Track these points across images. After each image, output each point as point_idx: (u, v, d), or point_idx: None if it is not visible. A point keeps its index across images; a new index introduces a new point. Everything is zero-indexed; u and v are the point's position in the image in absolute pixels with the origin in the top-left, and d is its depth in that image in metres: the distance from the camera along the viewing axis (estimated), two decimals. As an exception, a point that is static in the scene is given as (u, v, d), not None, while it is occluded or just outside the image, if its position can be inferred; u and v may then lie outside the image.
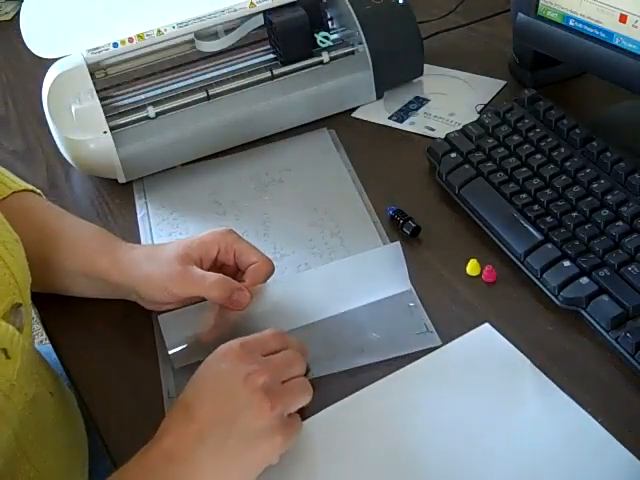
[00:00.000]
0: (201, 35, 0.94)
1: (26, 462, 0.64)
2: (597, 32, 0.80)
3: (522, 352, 0.65)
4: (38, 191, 0.79)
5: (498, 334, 0.66)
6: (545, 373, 0.64)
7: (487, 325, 0.67)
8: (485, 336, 0.66)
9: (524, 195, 0.76)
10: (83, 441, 0.78)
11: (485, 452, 0.58)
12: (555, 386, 0.61)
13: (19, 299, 0.61)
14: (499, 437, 0.59)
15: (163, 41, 0.92)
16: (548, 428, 0.59)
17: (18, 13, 0.96)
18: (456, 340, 0.66)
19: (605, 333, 0.65)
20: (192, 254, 0.68)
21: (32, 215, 0.75)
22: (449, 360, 0.65)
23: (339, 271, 0.71)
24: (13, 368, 0.59)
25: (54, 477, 0.69)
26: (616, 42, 0.79)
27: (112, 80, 0.94)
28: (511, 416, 0.60)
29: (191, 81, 0.94)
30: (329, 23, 0.98)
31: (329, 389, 0.64)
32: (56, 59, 0.91)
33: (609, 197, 0.73)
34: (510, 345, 0.65)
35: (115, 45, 0.91)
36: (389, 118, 0.95)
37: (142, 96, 0.93)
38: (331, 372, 0.66)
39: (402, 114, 0.95)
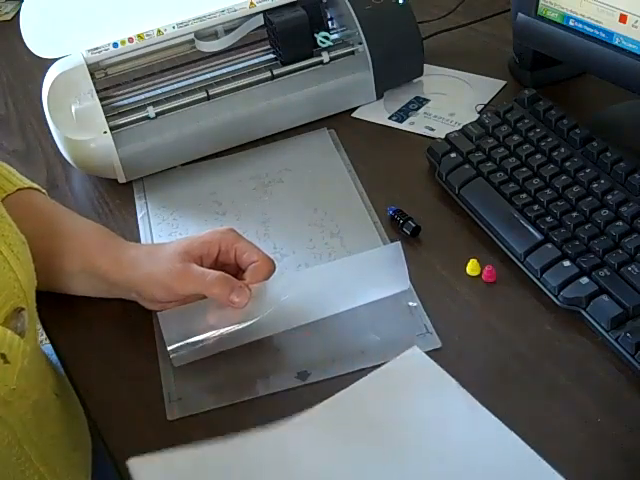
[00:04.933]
0: (201, 35, 0.94)
1: (30, 466, 0.63)
2: (597, 32, 0.80)
3: (522, 352, 0.65)
4: (42, 190, 0.79)
5: (426, 356, 0.65)
6: (545, 373, 0.64)
7: (415, 348, 0.66)
8: (414, 360, 0.65)
9: (524, 195, 0.76)
10: (87, 442, 0.78)
11: (419, 468, 0.58)
12: (479, 405, 0.61)
13: (22, 303, 0.61)
14: (432, 454, 0.58)
15: (163, 41, 0.92)
16: (475, 445, 0.59)
17: (18, 13, 0.96)
18: (386, 365, 0.65)
19: (605, 333, 0.65)
20: (193, 253, 0.68)
21: (35, 212, 0.75)
22: (381, 384, 0.64)
23: (339, 270, 0.71)
24: (12, 372, 0.59)
25: (57, 479, 0.69)
26: (616, 42, 0.79)
27: (112, 80, 0.94)
28: (441, 434, 0.60)
29: (191, 81, 0.94)
30: (329, 23, 0.98)
31: (328, 390, 0.64)
32: (56, 59, 0.91)
33: (609, 197, 0.73)
34: (437, 367, 0.64)
35: (115, 45, 0.91)
36: (389, 118, 0.95)
37: (142, 96, 0.93)
38: (331, 376, 0.65)
39: (402, 114, 0.95)
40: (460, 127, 0.86)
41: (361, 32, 0.94)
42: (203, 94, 0.92)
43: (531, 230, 0.73)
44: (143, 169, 0.90)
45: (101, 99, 0.88)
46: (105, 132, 0.87)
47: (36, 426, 0.65)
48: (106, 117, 0.87)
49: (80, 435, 0.77)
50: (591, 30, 0.81)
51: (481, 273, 0.73)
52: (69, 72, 0.89)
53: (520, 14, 0.88)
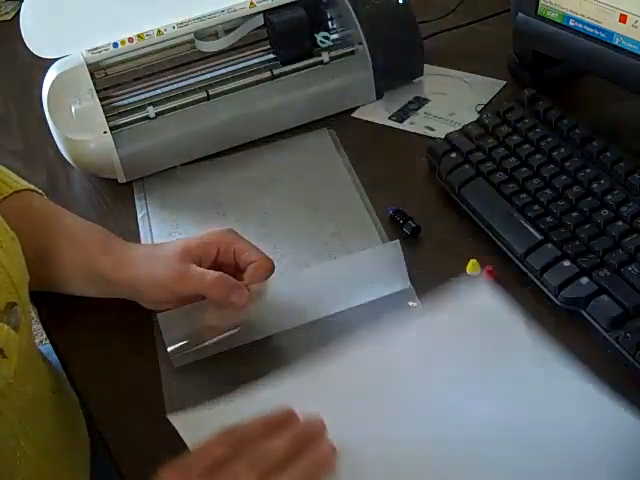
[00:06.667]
0: (201, 35, 0.94)
1: (27, 461, 0.64)
2: (597, 32, 0.80)
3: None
4: (40, 191, 0.79)
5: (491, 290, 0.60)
6: (545, 373, 0.64)
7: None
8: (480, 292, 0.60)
9: (524, 195, 0.76)
10: (85, 441, 0.78)
11: (474, 416, 0.55)
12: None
13: (15, 298, 0.61)
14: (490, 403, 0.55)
15: (163, 41, 0.92)
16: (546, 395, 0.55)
17: (18, 13, 0.96)
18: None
19: (605, 333, 0.65)
20: (192, 253, 0.68)
21: (33, 214, 0.75)
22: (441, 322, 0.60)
23: (338, 269, 0.72)
24: (9, 367, 0.59)
25: (56, 477, 0.69)
26: (616, 42, 0.79)
27: (112, 80, 0.94)
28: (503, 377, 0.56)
29: (191, 81, 0.94)
30: (329, 23, 0.98)
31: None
32: (56, 59, 0.91)
33: (609, 197, 0.73)
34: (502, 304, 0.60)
35: (115, 45, 0.91)
36: (389, 118, 0.95)
37: (142, 96, 0.93)
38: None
39: (402, 114, 0.95)
40: (460, 127, 0.86)
41: (361, 32, 0.94)
42: (203, 94, 0.92)
43: (531, 230, 0.73)
44: (143, 169, 0.90)
45: (101, 99, 0.88)
46: (105, 132, 0.87)
47: (33, 421, 0.65)
48: (106, 117, 0.87)
49: (78, 432, 0.77)
50: (591, 30, 0.81)
51: (481, 273, 0.73)
52: (69, 72, 0.89)
53: (520, 14, 0.88)
